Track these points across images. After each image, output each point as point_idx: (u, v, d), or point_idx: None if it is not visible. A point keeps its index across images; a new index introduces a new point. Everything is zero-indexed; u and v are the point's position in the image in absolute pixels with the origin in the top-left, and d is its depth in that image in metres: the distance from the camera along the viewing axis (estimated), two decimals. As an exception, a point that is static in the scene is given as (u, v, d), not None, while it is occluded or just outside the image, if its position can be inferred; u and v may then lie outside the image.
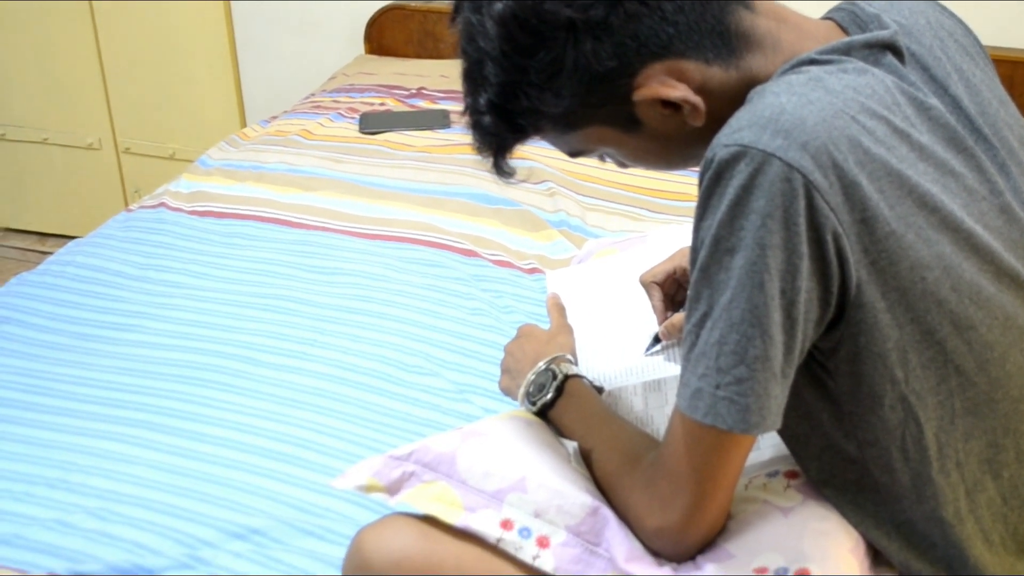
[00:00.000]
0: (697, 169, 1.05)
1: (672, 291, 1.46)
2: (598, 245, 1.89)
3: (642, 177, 2.37)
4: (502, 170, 1.18)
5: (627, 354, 1.42)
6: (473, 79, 1.12)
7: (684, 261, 1.47)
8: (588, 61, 1.06)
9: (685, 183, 2.33)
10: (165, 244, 2.23)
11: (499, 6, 1.06)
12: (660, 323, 1.42)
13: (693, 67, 1.07)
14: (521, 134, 1.15)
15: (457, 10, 1.12)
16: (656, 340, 1.42)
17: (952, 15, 1.22)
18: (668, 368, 1.37)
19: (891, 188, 1.00)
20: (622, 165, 1.21)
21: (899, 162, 1.01)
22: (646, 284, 1.46)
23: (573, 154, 1.20)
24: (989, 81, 1.18)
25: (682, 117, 1.09)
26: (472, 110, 1.14)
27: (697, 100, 1.07)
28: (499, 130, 1.14)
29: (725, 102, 1.06)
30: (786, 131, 0.97)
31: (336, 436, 1.65)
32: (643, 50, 1.06)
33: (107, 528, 1.47)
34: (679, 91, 1.07)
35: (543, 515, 1.15)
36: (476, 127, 1.14)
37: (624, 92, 1.09)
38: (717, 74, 1.08)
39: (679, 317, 1.41)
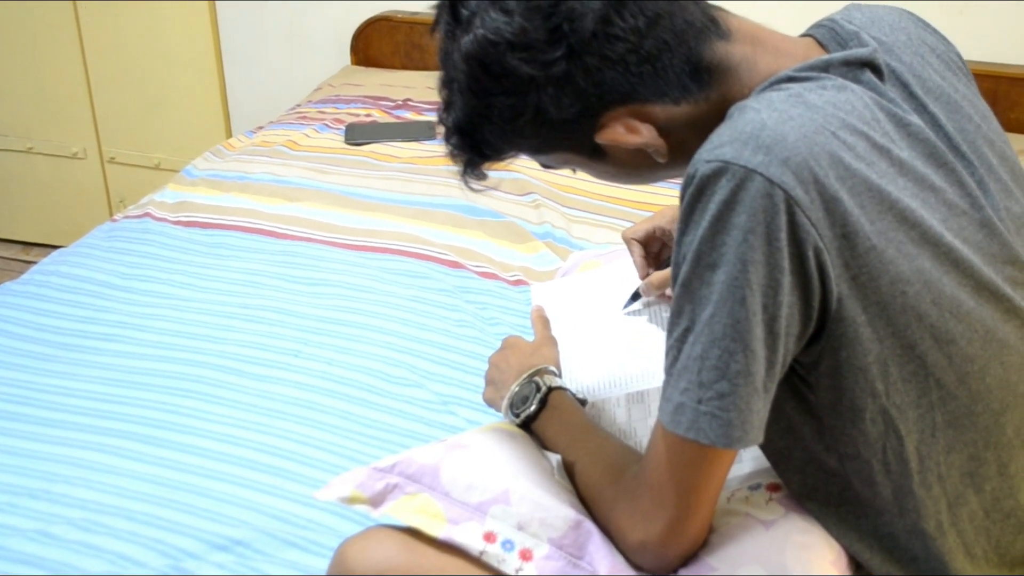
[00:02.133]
0: (679, 181, 1.06)
1: (656, 249, 1.48)
2: (583, 257, 1.90)
3: (627, 189, 2.38)
4: (470, 182, 1.19)
5: (611, 366, 1.42)
6: (446, 94, 1.14)
7: (664, 220, 1.50)
8: (548, 108, 1.08)
9: (671, 196, 2.34)
10: (150, 254, 2.23)
11: (467, 42, 1.07)
12: (641, 277, 1.44)
13: (659, 109, 1.09)
14: (486, 159, 1.16)
15: (436, 22, 1.13)
16: (635, 296, 1.43)
17: (934, 31, 1.23)
18: (651, 380, 1.37)
19: (871, 203, 1.00)
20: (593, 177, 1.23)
21: (879, 177, 1.01)
22: (627, 240, 1.48)
23: (545, 167, 1.22)
24: (971, 96, 1.18)
25: (647, 153, 1.10)
26: (443, 124, 1.15)
27: (659, 143, 1.09)
28: (465, 152, 1.15)
29: (694, 133, 1.07)
30: (767, 147, 0.97)
31: (320, 447, 1.65)
32: (606, 97, 1.08)
33: (90, 539, 1.47)
34: (641, 137, 1.08)
35: (526, 528, 1.15)
36: (446, 141, 1.16)
37: (587, 131, 1.10)
38: (685, 110, 1.09)
39: (659, 274, 1.43)
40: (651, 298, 1.45)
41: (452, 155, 1.17)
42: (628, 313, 1.45)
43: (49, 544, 1.46)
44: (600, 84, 1.06)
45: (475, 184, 1.20)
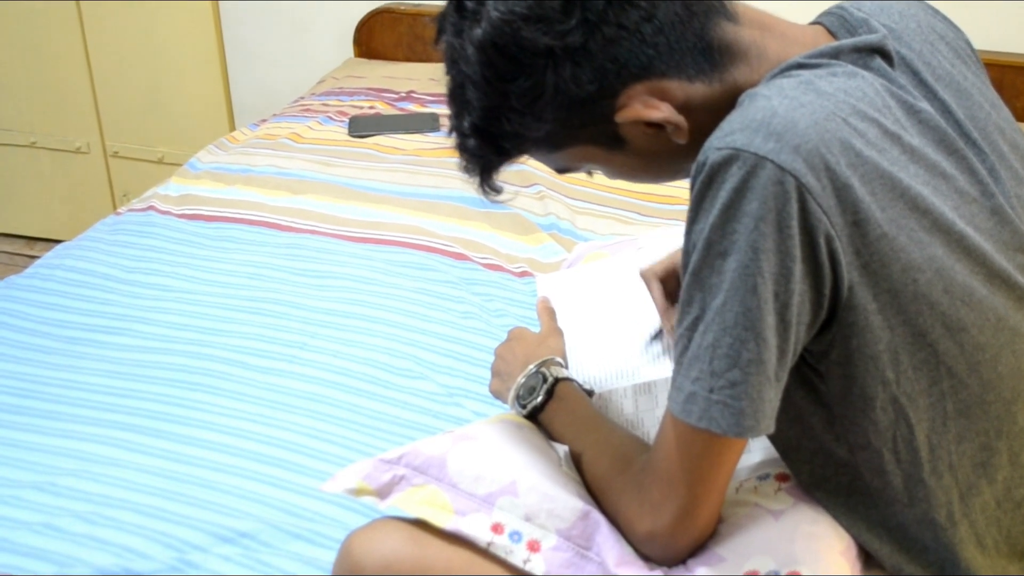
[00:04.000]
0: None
1: (673, 287, 1.47)
2: (588, 249, 1.89)
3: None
4: (488, 191, 1.19)
5: (617, 357, 1.42)
6: (457, 101, 1.13)
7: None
8: (568, 86, 1.07)
9: (676, 186, 2.33)
10: (154, 247, 2.23)
11: (478, 32, 1.06)
12: (662, 315, 1.42)
13: (675, 85, 1.08)
14: (506, 156, 1.15)
15: (440, 31, 1.12)
16: (658, 335, 1.42)
17: (944, 18, 1.23)
18: (658, 371, 1.37)
19: (883, 190, 1.00)
20: (610, 177, 1.22)
21: (891, 164, 1.01)
22: (646, 277, 1.46)
23: (561, 171, 1.21)
24: (980, 84, 1.18)
25: (666, 135, 1.10)
26: (457, 132, 1.14)
27: (679, 119, 1.08)
28: (484, 152, 1.14)
29: (710, 116, 1.06)
30: (778, 134, 0.97)
31: (326, 440, 1.65)
32: (623, 72, 1.06)
33: (95, 532, 1.47)
34: (661, 112, 1.07)
35: (534, 519, 1.15)
36: (462, 149, 1.15)
37: (606, 113, 1.09)
38: (700, 90, 1.08)
39: None
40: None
41: (467, 167, 1.16)
42: (652, 358, 1.43)
43: (55, 537, 1.46)
44: (617, 58, 1.05)
45: (493, 197, 1.20)
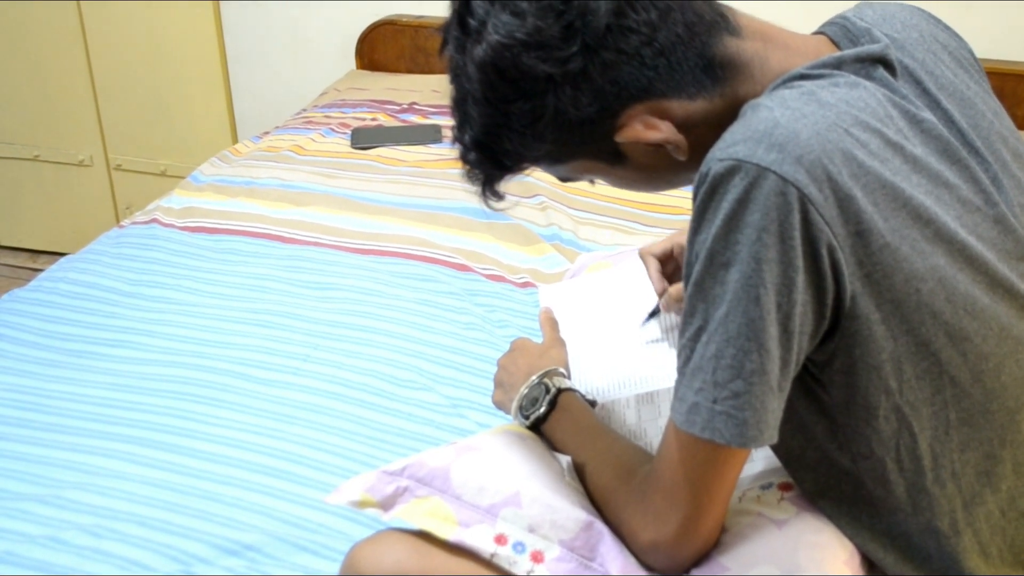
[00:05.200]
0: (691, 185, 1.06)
1: (671, 270, 1.47)
2: (591, 259, 1.89)
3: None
4: (490, 199, 1.19)
5: (620, 367, 1.42)
6: (460, 113, 1.13)
7: (683, 238, 1.48)
8: (568, 108, 1.07)
9: (678, 196, 2.34)
10: (157, 260, 2.23)
11: (479, 52, 1.07)
12: (658, 291, 1.43)
13: (676, 104, 1.08)
14: (506, 170, 1.16)
15: (444, 41, 1.13)
16: (654, 312, 1.42)
17: (947, 27, 1.23)
18: (661, 381, 1.37)
19: (885, 201, 1.00)
20: (612, 186, 1.22)
21: (893, 175, 1.01)
22: (644, 256, 1.47)
23: (563, 179, 1.22)
24: (983, 93, 1.18)
25: (666, 152, 1.10)
26: (460, 143, 1.15)
27: (679, 139, 1.08)
28: (484, 167, 1.15)
29: (711, 130, 1.06)
30: (780, 145, 0.97)
31: (329, 451, 1.65)
32: (623, 94, 1.07)
33: (100, 545, 1.47)
34: (661, 132, 1.08)
35: (537, 530, 1.15)
36: (464, 160, 1.16)
37: (606, 132, 1.10)
38: (701, 106, 1.08)
39: (678, 287, 1.42)
40: (671, 314, 1.44)
41: (470, 175, 1.17)
42: (645, 325, 1.44)
43: (59, 550, 1.46)
44: (617, 80, 1.06)
45: (495, 204, 1.20)
